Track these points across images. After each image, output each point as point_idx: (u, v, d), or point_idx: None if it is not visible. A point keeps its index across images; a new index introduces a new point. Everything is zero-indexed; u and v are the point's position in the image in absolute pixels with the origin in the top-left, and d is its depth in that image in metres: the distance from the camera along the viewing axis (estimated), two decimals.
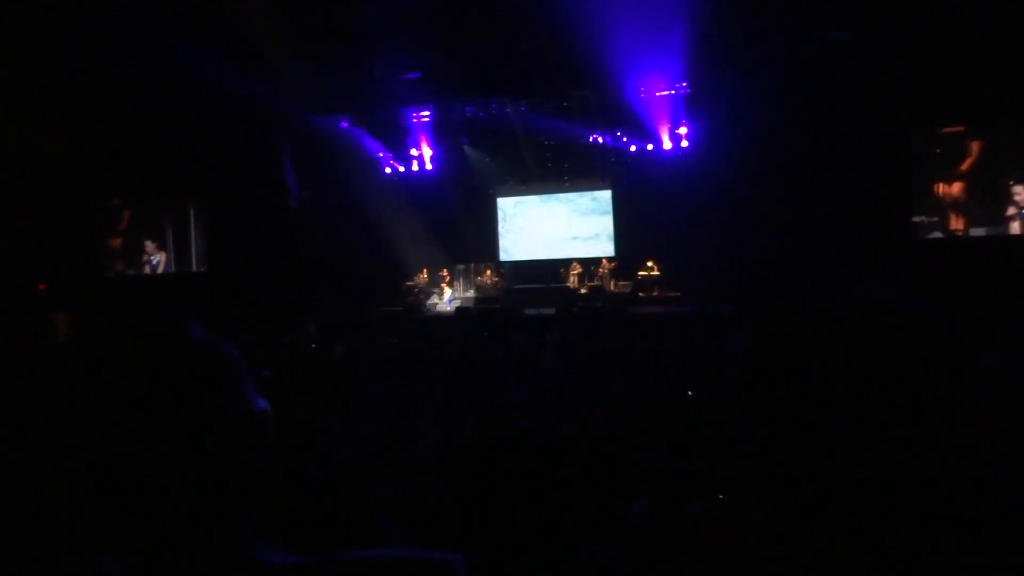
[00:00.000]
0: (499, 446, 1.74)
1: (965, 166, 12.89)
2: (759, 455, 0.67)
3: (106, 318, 0.79)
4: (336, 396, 6.61)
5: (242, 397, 0.80)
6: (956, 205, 12.99)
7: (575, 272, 16.22)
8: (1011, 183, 12.47)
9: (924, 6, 11.27)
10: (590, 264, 16.43)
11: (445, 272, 16.92)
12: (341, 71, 13.93)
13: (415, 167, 17.22)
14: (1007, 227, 12.51)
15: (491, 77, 14.03)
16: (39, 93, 13.83)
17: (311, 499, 1.63)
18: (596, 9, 11.45)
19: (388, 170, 17.54)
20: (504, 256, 18.15)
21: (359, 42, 13.25)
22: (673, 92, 14.42)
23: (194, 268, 16.73)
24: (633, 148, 15.92)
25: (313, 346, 11.70)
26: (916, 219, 13.12)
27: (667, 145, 15.18)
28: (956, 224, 12.99)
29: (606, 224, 17.29)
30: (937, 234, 13.04)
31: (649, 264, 15.35)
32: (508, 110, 15.77)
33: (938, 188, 13.08)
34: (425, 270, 16.93)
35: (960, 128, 12.87)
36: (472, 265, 17.55)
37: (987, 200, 12.72)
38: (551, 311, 13.39)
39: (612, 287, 15.79)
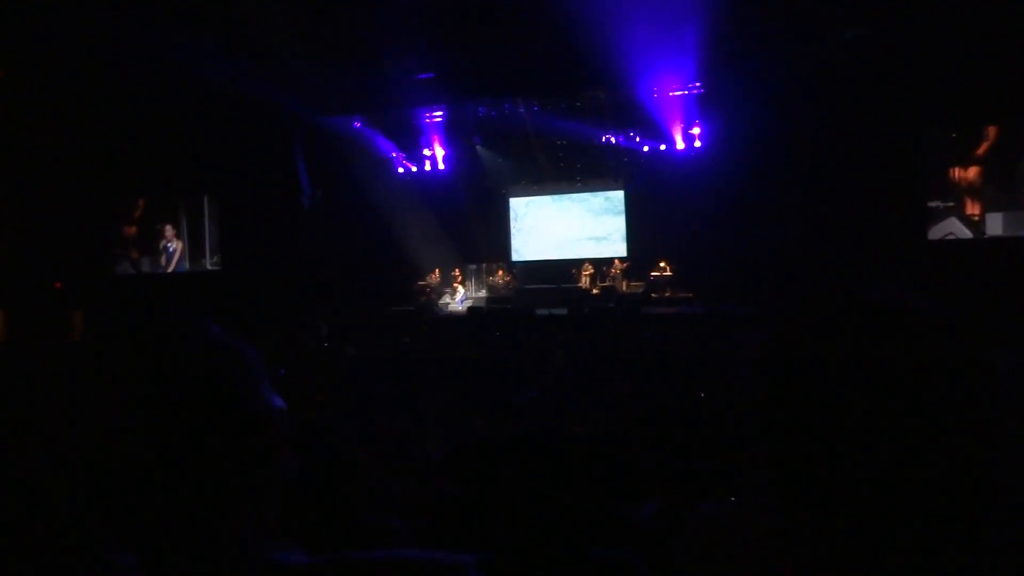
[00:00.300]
0: (509, 446, 1.73)
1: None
2: (775, 456, 0.67)
3: (123, 316, 0.80)
4: (347, 395, 6.64)
5: (259, 395, 0.80)
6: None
7: (587, 272, 16.19)
8: None
9: (937, 3, 11.17)
10: (602, 264, 16.40)
11: (457, 272, 16.94)
12: (354, 71, 13.99)
13: (428, 167, 17.26)
14: None
15: (503, 77, 14.04)
16: (59, 94, 13.98)
17: (323, 499, 1.64)
18: (609, 9, 11.43)
19: (401, 170, 17.59)
20: (516, 256, 18.15)
21: (372, 42, 13.30)
22: (686, 92, 14.37)
23: (208, 258, 16.78)
24: (646, 148, 15.88)
25: (325, 345, 11.75)
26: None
27: (680, 145, 15.13)
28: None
29: (619, 224, 17.26)
30: (951, 234, 12.85)
31: (662, 264, 15.30)
32: (520, 110, 15.78)
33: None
34: (437, 270, 16.96)
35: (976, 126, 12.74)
36: (484, 265, 17.56)
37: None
38: (563, 311, 13.38)
39: (624, 287, 15.75)
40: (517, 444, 1.69)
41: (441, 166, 17.20)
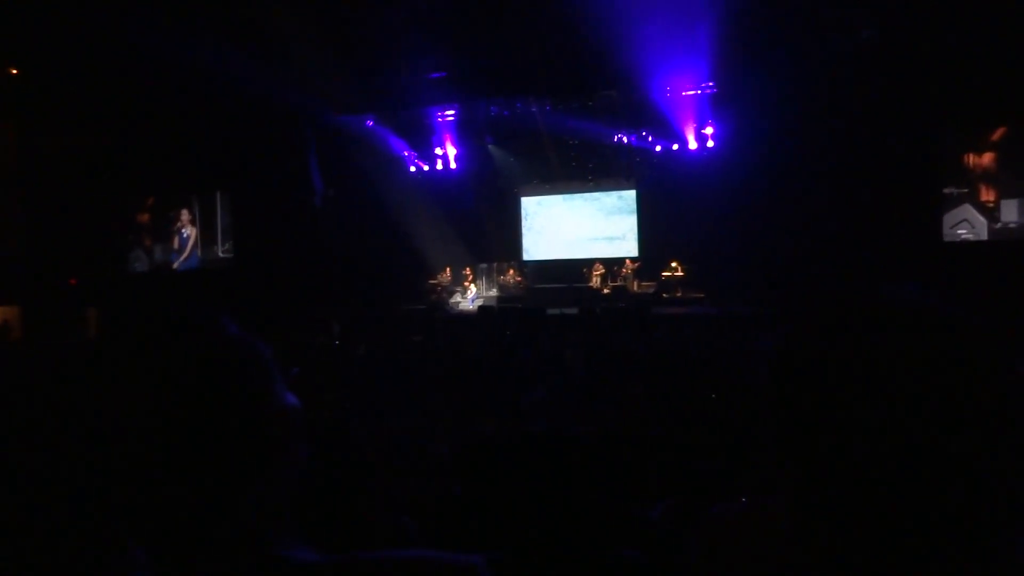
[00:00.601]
0: (520, 446, 1.73)
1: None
2: (790, 458, 0.66)
3: (139, 313, 0.81)
4: (359, 394, 6.66)
5: (273, 393, 0.80)
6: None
7: (598, 272, 16.16)
8: None
9: (952, 3, 11.07)
10: (613, 264, 16.36)
11: (468, 271, 16.96)
12: (367, 71, 14.03)
13: (439, 166, 17.30)
14: None
15: (516, 76, 14.03)
16: (73, 92, 14.11)
17: (333, 497, 1.64)
18: (622, 8, 11.40)
19: (413, 169, 17.64)
20: (527, 256, 18.16)
21: (385, 42, 13.34)
22: (699, 92, 14.32)
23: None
24: (658, 148, 15.83)
25: (337, 344, 11.80)
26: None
27: (693, 145, 15.07)
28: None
29: (630, 224, 17.22)
30: (966, 221, 12.66)
31: (673, 265, 15.25)
32: (533, 109, 15.77)
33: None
34: (448, 269, 16.99)
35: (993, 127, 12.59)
36: (495, 264, 17.57)
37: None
38: (574, 311, 13.35)
39: (635, 288, 15.71)
40: (527, 444, 1.69)
41: (453, 165, 17.23)
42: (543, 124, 16.03)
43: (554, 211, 18.05)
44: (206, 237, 16.98)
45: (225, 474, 0.75)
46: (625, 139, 15.94)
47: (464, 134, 16.85)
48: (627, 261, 16.22)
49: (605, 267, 16.25)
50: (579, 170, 17.39)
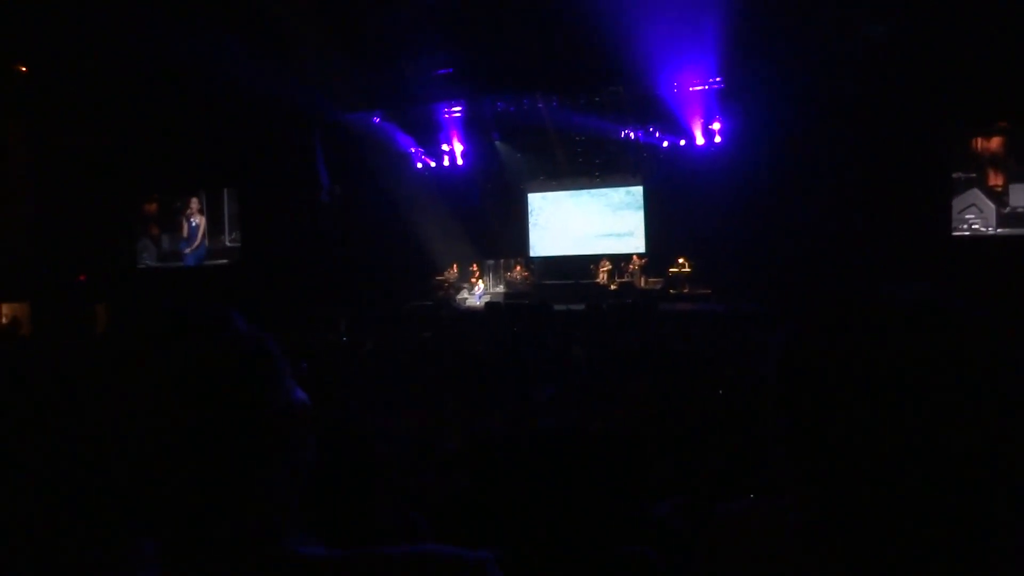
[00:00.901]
0: (527, 442, 1.73)
1: (1004, 121, 12.47)
2: (799, 456, 0.66)
3: (148, 309, 0.81)
4: (366, 390, 6.68)
5: (282, 388, 0.81)
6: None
7: (605, 268, 16.14)
8: None
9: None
10: (620, 260, 16.33)
11: (475, 267, 16.96)
12: (374, 67, 14.04)
13: (446, 162, 17.30)
14: None
15: (522, 73, 14.01)
16: (81, 90, 14.17)
17: (342, 492, 1.65)
18: (629, 3, 11.36)
19: (419, 165, 17.64)
20: (534, 252, 18.14)
21: (391, 38, 13.34)
22: (707, 87, 14.26)
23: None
24: (665, 144, 15.79)
25: (344, 340, 11.82)
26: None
27: (700, 141, 15.02)
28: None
29: (637, 220, 17.18)
30: (974, 205, 12.55)
31: (680, 261, 15.22)
32: (539, 105, 15.74)
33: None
34: (455, 265, 16.99)
35: (1002, 123, 12.49)
36: (502, 260, 17.57)
37: None
38: (581, 307, 13.35)
39: (642, 284, 15.68)
40: (533, 440, 1.69)
41: (459, 161, 17.22)
42: (550, 120, 16.00)
43: (561, 207, 18.03)
44: (213, 227, 17.05)
45: (234, 469, 0.75)
46: (632, 135, 15.90)
47: (471, 130, 16.84)
48: (634, 257, 16.19)
49: (612, 263, 16.22)
50: (586, 166, 17.36)
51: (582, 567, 1.55)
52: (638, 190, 17.16)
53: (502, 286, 17.13)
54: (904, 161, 12.44)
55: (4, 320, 14.24)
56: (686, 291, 14.97)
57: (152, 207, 17.35)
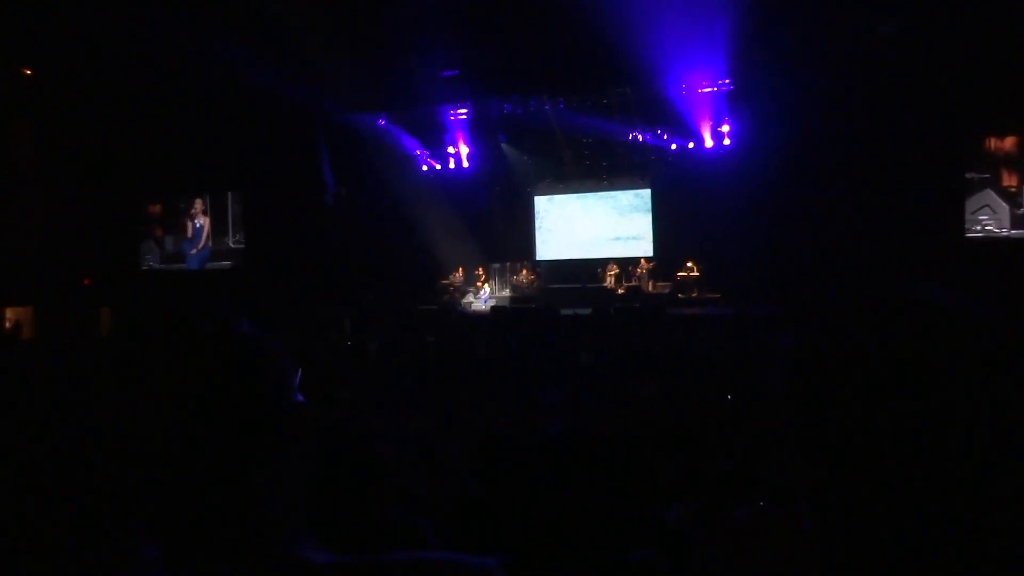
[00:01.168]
0: (534, 447, 1.73)
1: (1018, 120, 12.38)
2: (810, 461, 0.66)
3: (151, 312, 0.81)
4: (371, 392, 6.68)
5: (286, 391, 0.81)
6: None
7: (612, 272, 16.12)
8: None
9: None
10: (628, 264, 16.31)
11: (480, 271, 16.97)
12: (379, 69, 14.07)
13: (452, 165, 17.32)
14: None
15: (529, 74, 14.03)
16: (85, 91, 14.25)
17: (347, 497, 1.65)
18: (637, 3, 11.36)
19: (425, 168, 17.67)
20: (540, 255, 18.14)
21: (397, 40, 13.37)
22: (716, 89, 14.24)
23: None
24: (674, 146, 15.77)
25: (348, 343, 11.85)
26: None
27: (709, 143, 15.00)
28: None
29: (645, 223, 17.16)
30: (987, 207, 12.47)
31: (689, 265, 15.19)
32: (546, 107, 15.75)
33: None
34: (461, 268, 17.00)
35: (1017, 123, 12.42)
36: (508, 264, 17.57)
37: None
38: (588, 311, 13.33)
39: (651, 288, 15.65)
40: (542, 445, 1.69)
41: (465, 164, 17.24)
42: (557, 122, 16.01)
43: (568, 210, 18.03)
44: (218, 228, 17.11)
45: (236, 472, 0.75)
46: (640, 137, 15.89)
47: (477, 132, 16.86)
48: (642, 261, 16.17)
49: (620, 267, 16.20)
50: (593, 169, 17.35)
51: (590, 572, 1.54)
52: (646, 193, 17.14)
53: (508, 290, 17.13)
54: (916, 161, 12.38)
55: (7, 324, 14.32)
56: (695, 295, 14.93)
57: (156, 208, 17.44)
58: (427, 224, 16.68)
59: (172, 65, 12.97)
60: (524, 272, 17.25)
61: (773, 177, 13.45)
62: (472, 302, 16.32)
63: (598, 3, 11.29)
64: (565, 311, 13.48)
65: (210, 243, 17.20)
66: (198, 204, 17.13)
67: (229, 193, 16.99)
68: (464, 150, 17.08)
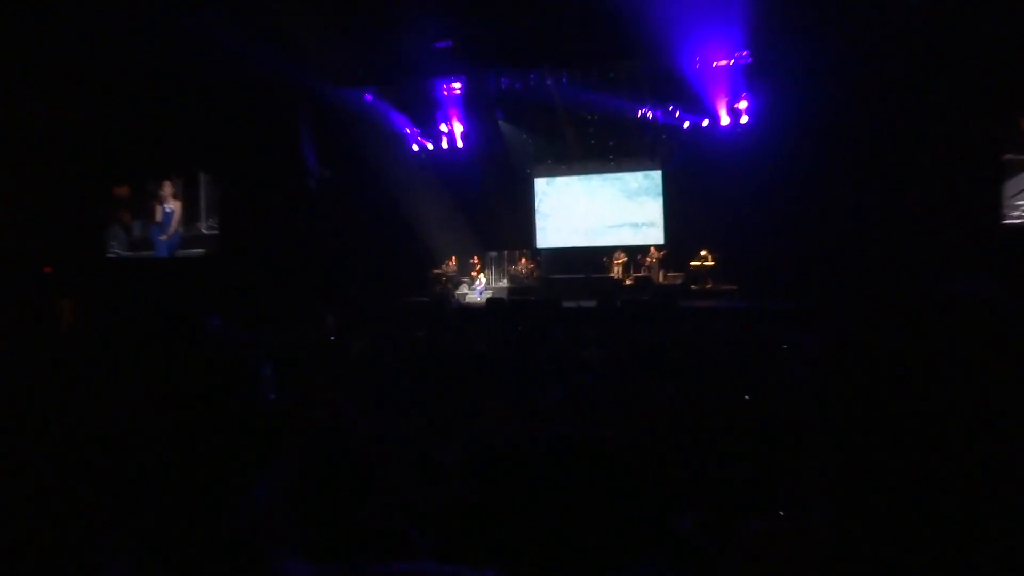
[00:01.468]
0: (535, 451, 1.73)
1: None
2: (837, 467, 0.66)
3: (118, 307, 0.81)
4: (357, 393, 6.69)
5: (258, 391, 0.81)
6: None
7: (619, 261, 16.15)
8: None
9: None
10: (636, 252, 16.34)
11: (475, 260, 16.99)
12: (366, 39, 14.01)
13: (445, 144, 17.31)
14: None
15: (529, 45, 13.98)
16: (47, 68, 14.17)
17: (331, 504, 1.65)
18: None
19: (415, 147, 17.66)
20: (541, 243, 18.16)
21: (385, 6, 13.31)
22: (732, 62, 14.24)
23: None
24: (686, 124, 15.78)
25: (332, 339, 11.85)
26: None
27: (725, 121, 15.01)
28: None
29: (655, 208, 17.18)
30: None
31: (703, 253, 15.21)
32: (548, 81, 15.73)
33: None
34: (454, 257, 17.02)
35: None
36: (505, 252, 17.60)
37: None
38: (592, 304, 13.36)
39: (661, 278, 15.69)
40: (542, 448, 1.69)
41: (459, 143, 17.23)
42: (559, 97, 16.00)
43: (571, 193, 18.03)
44: (189, 213, 17.07)
45: (210, 480, 0.75)
46: (650, 114, 15.89)
47: (472, 109, 16.84)
48: (651, 249, 16.20)
49: (627, 255, 16.23)
50: (599, 148, 17.36)
51: None
52: (656, 175, 17.15)
53: (505, 280, 17.17)
54: (950, 142, 12.37)
55: None
56: (709, 286, 14.97)
57: (123, 191, 17.38)
58: (418, 209, 16.68)
59: (139, 36, 12.89)
60: (523, 261, 17.27)
61: (794, 158, 13.45)
62: (466, 294, 16.35)
63: None
64: (567, 304, 13.51)
65: (181, 229, 17.16)
66: (168, 186, 17.08)
67: (202, 175, 16.93)
68: (458, 128, 17.07)
